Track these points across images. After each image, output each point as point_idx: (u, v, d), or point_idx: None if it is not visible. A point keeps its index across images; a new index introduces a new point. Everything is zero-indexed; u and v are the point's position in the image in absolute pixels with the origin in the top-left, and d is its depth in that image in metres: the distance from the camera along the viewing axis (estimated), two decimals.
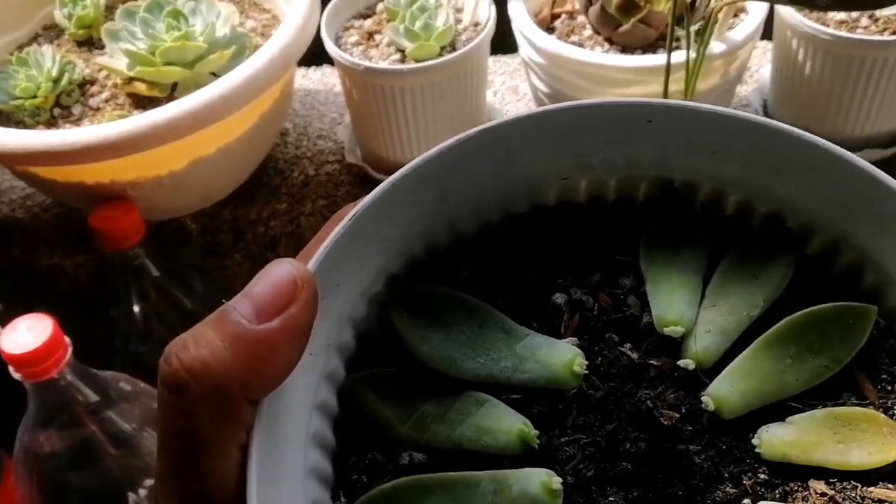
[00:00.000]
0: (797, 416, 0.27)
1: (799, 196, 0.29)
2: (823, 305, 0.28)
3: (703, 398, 0.27)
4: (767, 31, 0.70)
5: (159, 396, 0.23)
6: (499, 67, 0.85)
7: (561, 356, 0.28)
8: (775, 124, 0.27)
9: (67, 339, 0.60)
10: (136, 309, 0.73)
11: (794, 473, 0.26)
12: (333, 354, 0.28)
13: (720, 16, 0.59)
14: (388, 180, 0.27)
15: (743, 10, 0.67)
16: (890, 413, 0.27)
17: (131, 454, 0.65)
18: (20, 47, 0.78)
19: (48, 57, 0.72)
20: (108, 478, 0.63)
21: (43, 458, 0.63)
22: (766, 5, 0.61)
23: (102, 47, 0.74)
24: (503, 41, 0.72)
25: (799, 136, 0.27)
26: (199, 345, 0.23)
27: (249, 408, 0.24)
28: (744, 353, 0.28)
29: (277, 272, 0.24)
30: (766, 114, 0.74)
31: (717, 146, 0.29)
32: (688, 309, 0.29)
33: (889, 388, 0.28)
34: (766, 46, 0.79)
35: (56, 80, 0.71)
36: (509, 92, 0.82)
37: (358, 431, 0.28)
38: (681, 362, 0.28)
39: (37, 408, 0.62)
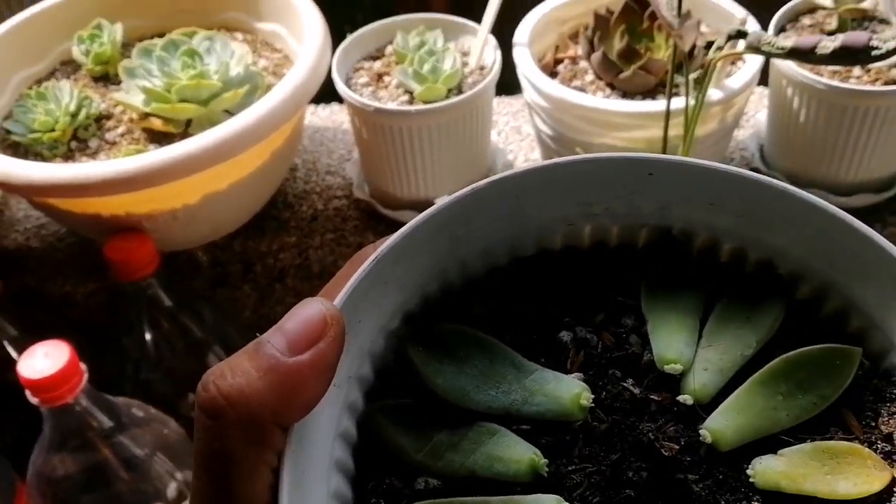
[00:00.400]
0: (788, 448, 0.29)
1: (788, 246, 0.31)
2: (812, 347, 0.30)
3: (701, 431, 0.29)
4: (764, 77, 0.73)
5: (196, 421, 0.25)
6: (503, 108, 0.88)
7: (568, 390, 0.30)
8: (765, 180, 0.30)
9: (83, 366, 0.61)
10: (147, 337, 0.74)
11: (786, 502, 0.28)
12: (354, 386, 0.30)
13: (718, 65, 0.61)
14: (407, 226, 0.30)
15: (740, 58, 0.69)
16: (874, 447, 0.29)
17: (142, 478, 0.66)
18: (38, 82, 0.80)
19: (66, 92, 0.74)
20: (120, 501, 0.65)
21: (56, 482, 0.64)
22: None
23: (119, 83, 0.76)
24: (508, 82, 0.74)
25: (785, 191, 0.29)
26: (235, 374, 0.25)
27: (280, 433, 0.26)
28: (738, 389, 0.30)
29: (309, 309, 0.27)
30: (762, 158, 0.76)
31: (712, 199, 0.31)
32: (686, 348, 0.31)
33: (873, 424, 0.30)
34: (762, 92, 0.82)
35: (74, 115, 0.73)
36: (513, 132, 0.85)
37: (376, 458, 0.30)
38: (680, 398, 0.30)
39: (51, 432, 0.63)
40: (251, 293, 0.82)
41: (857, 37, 0.47)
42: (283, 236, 0.79)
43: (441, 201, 0.30)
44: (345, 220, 0.78)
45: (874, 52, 0.46)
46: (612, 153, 0.31)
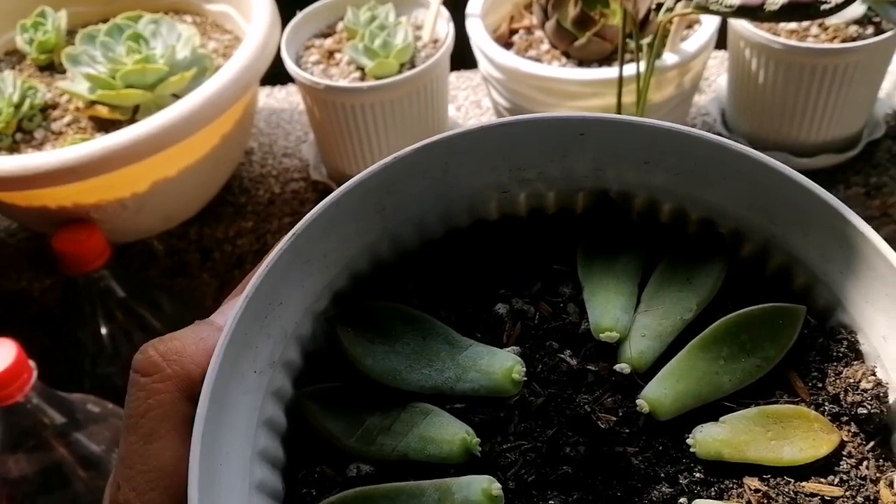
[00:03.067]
0: (731, 415, 0.28)
1: (728, 202, 0.30)
2: (754, 307, 0.29)
3: (638, 401, 0.28)
4: (723, 41, 0.72)
5: (131, 382, 0.26)
6: (462, 82, 0.86)
7: (501, 364, 0.29)
8: (697, 133, 0.28)
9: (32, 363, 0.60)
10: (103, 331, 0.73)
11: (729, 471, 0.27)
12: (279, 371, 0.28)
13: (671, 28, 0.60)
14: (327, 199, 0.28)
15: (697, 21, 0.68)
16: (821, 409, 0.28)
17: (101, 476, 0.65)
18: None
19: (9, 82, 0.72)
20: (78, 501, 0.63)
21: (12, 483, 0.63)
22: (718, 17, 0.62)
23: (64, 71, 0.74)
24: (466, 57, 0.73)
25: (718, 143, 0.28)
26: (173, 339, 0.26)
27: None
28: (678, 355, 0.29)
29: None
30: (724, 122, 0.75)
31: (647, 157, 0.30)
32: (623, 315, 0.29)
33: (819, 384, 0.28)
34: (723, 56, 0.80)
35: (18, 106, 0.71)
36: (473, 106, 0.83)
37: (306, 446, 0.28)
38: (617, 367, 0.29)
39: (4, 432, 0.62)
40: (210, 281, 0.81)
41: None
42: (241, 222, 0.77)
43: (361, 173, 0.29)
44: (302, 203, 0.77)
45: (823, 7, 0.45)
46: (541, 114, 0.30)
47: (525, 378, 0.28)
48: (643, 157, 0.30)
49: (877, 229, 0.71)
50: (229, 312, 0.26)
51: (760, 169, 0.28)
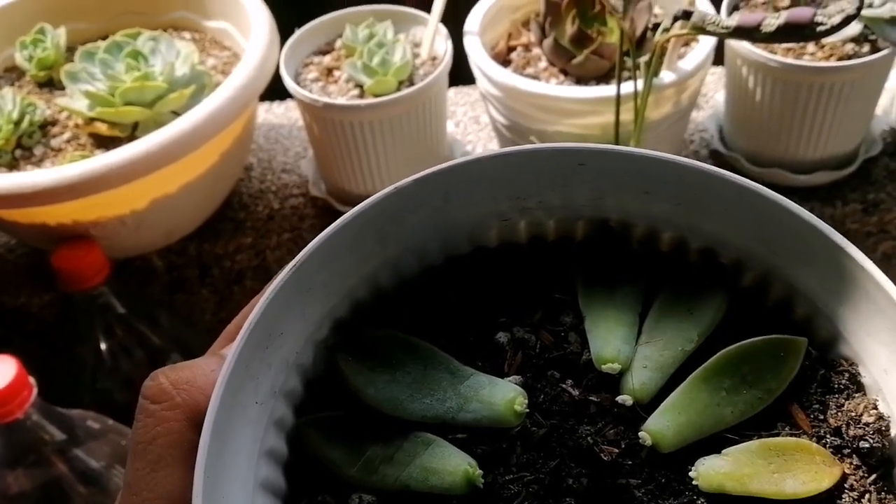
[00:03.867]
0: (733, 447, 0.28)
1: (728, 232, 0.30)
2: (756, 339, 0.29)
3: (640, 433, 0.28)
4: (721, 57, 0.72)
5: (139, 408, 0.26)
6: (461, 98, 0.87)
7: (503, 395, 0.29)
8: (696, 164, 0.28)
9: (32, 380, 0.60)
10: (102, 346, 0.73)
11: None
12: (281, 401, 0.28)
13: (668, 47, 0.60)
14: (328, 230, 0.28)
15: (694, 39, 0.68)
16: (822, 442, 0.28)
17: (100, 492, 0.65)
18: None
19: (9, 99, 0.72)
20: None
21: (12, 499, 0.63)
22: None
23: (63, 88, 0.74)
24: (465, 73, 0.73)
25: (718, 175, 0.28)
26: (184, 368, 0.27)
27: None
28: (680, 387, 0.29)
29: None
30: (721, 139, 0.76)
31: (647, 187, 0.30)
32: (624, 345, 0.29)
33: (821, 417, 0.29)
34: (721, 72, 0.81)
35: (17, 122, 0.71)
36: (471, 122, 0.84)
37: (308, 475, 0.28)
38: (619, 398, 0.29)
39: (4, 449, 0.62)
40: (209, 297, 0.81)
41: (800, 13, 0.46)
42: (240, 237, 0.77)
43: (361, 204, 0.29)
44: (301, 219, 0.77)
45: (819, 28, 0.45)
46: (541, 144, 0.30)
47: (527, 409, 0.28)
48: (643, 187, 0.30)
49: (875, 245, 0.72)
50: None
51: (760, 200, 0.28)
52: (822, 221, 0.28)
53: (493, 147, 0.80)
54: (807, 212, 0.28)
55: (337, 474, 0.28)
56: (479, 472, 0.27)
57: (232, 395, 0.26)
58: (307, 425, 0.29)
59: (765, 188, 0.28)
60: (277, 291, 0.27)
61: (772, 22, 0.46)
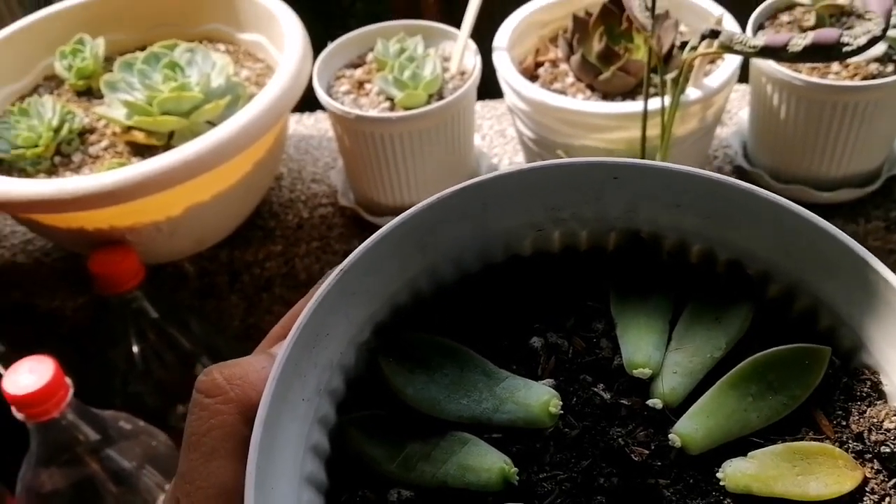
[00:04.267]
0: (759, 450, 0.29)
1: (755, 245, 0.31)
2: (781, 347, 0.30)
3: (670, 436, 0.29)
4: (745, 75, 0.73)
5: (193, 402, 0.27)
6: (487, 112, 0.88)
7: (538, 397, 0.30)
8: (727, 180, 0.30)
9: (68, 380, 0.61)
10: (134, 349, 0.74)
11: None
12: (325, 399, 0.30)
13: (695, 64, 0.61)
14: (372, 238, 0.30)
15: (720, 56, 0.69)
16: (845, 447, 0.29)
17: (131, 491, 0.66)
18: (21, 98, 0.80)
19: (49, 107, 0.74)
20: None
21: (45, 497, 0.64)
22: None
23: (101, 97, 0.76)
24: (493, 86, 0.75)
25: (748, 190, 0.29)
26: (237, 364, 0.28)
27: None
28: (708, 392, 0.30)
29: None
30: (745, 155, 0.77)
31: (678, 200, 0.31)
32: (655, 352, 0.31)
33: (843, 423, 0.30)
34: (745, 89, 0.82)
35: (57, 130, 0.73)
36: (497, 136, 0.85)
37: (349, 471, 0.30)
38: (649, 402, 0.30)
39: (39, 447, 0.63)
40: (238, 303, 0.82)
41: (827, 34, 0.47)
42: (269, 245, 0.79)
43: (404, 213, 0.30)
44: (330, 228, 0.79)
45: (845, 49, 0.46)
46: (576, 158, 0.31)
47: (561, 411, 0.30)
48: (674, 201, 0.31)
49: None
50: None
51: (787, 215, 0.29)
52: (846, 236, 0.29)
53: (519, 160, 0.82)
54: (832, 226, 0.29)
55: (377, 470, 0.29)
56: (515, 469, 0.28)
57: (282, 392, 0.27)
58: (349, 423, 0.30)
59: (792, 203, 0.29)
60: (325, 295, 0.29)
61: (798, 42, 0.48)
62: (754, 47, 0.49)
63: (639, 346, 0.31)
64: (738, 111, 0.82)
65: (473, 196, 0.31)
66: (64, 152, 0.73)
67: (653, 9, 0.55)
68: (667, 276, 0.33)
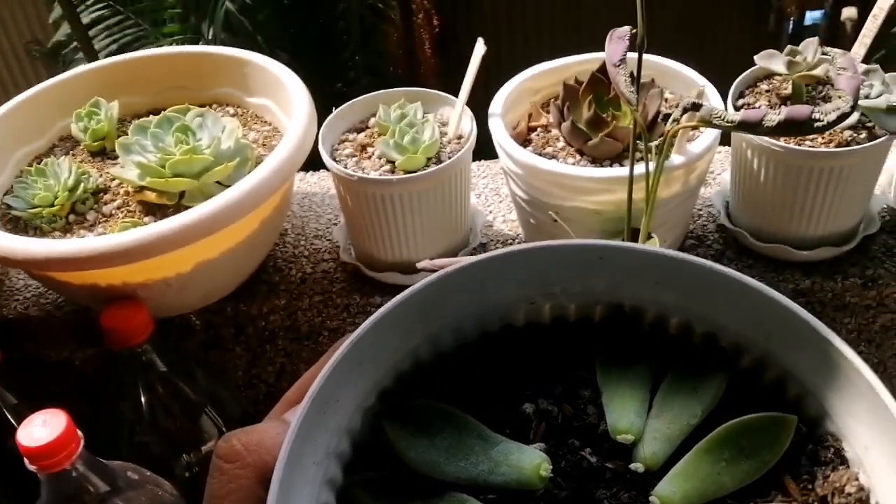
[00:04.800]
0: None
1: (728, 320, 0.34)
2: (752, 415, 0.33)
3: (651, 498, 0.32)
4: (727, 139, 0.77)
5: (214, 466, 0.30)
6: (483, 171, 0.92)
7: (530, 461, 0.33)
8: (701, 262, 0.33)
9: (80, 433, 0.63)
10: (142, 400, 0.76)
11: None
12: (333, 462, 0.32)
13: (678, 133, 0.65)
14: (380, 311, 0.32)
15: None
16: None
17: None
18: (38, 158, 0.83)
19: (65, 168, 0.77)
20: None
21: None
22: None
23: (115, 157, 0.80)
24: (488, 147, 0.78)
25: (720, 272, 0.32)
26: (255, 431, 0.30)
27: None
28: (685, 457, 0.33)
29: None
30: (727, 214, 0.80)
31: (657, 279, 0.34)
32: (637, 418, 0.34)
33: (810, 486, 0.32)
34: (727, 151, 0.85)
35: (72, 189, 0.76)
36: (492, 194, 0.89)
37: None
38: (632, 465, 0.33)
39: (49, 497, 0.65)
40: (243, 354, 0.85)
41: (799, 111, 0.50)
42: (273, 299, 0.81)
43: (410, 288, 0.33)
44: (332, 283, 0.81)
45: (816, 125, 0.50)
46: (566, 241, 0.34)
47: (551, 474, 0.32)
48: (654, 279, 0.34)
49: (874, 318, 0.75)
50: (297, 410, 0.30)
51: (756, 294, 0.32)
52: (810, 315, 0.32)
53: (513, 217, 0.85)
54: (795, 304, 0.32)
55: None
56: None
57: (295, 457, 0.30)
58: (355, 484, 0.33)
59: (761, 284, 0.32)
60: (336, 365, 0.31)
61: (773, 118, 0.51)
62: (732, 122, 0.52)
63: (622, 413, 0.34)
64: (722, 172, 0.86)
65: (473, 273, 0.34)
66: (78, 211, 0.76)
67: (637, 80, 0.58)
68: (648, 346, 0.36)
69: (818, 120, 0.52)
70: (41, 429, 0.62)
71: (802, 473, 0.32)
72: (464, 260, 0.34)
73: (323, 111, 0.78)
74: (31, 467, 0.62)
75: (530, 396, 0.35)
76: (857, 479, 0.31)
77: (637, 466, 0.32)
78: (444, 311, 0.35)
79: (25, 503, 0.68)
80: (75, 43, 1.96)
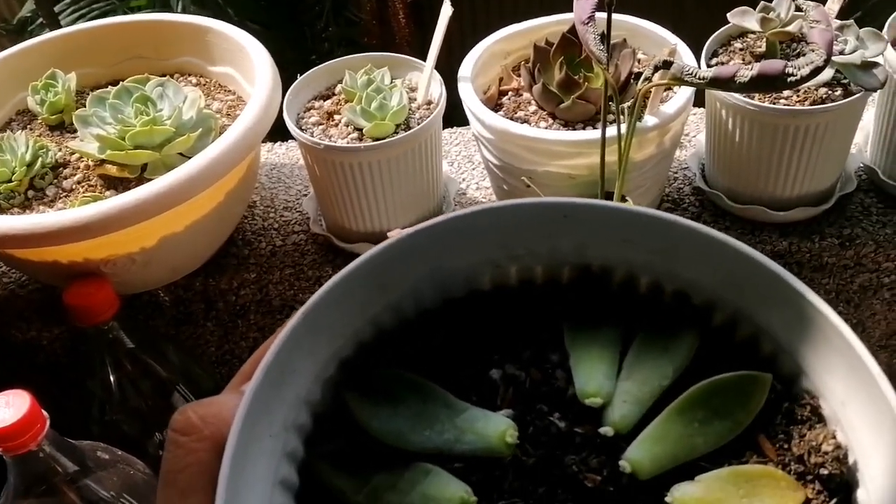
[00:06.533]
0: (705, 474, 0.30)
1: (699, 277, 0.33)
2: (725, 375, 0.32)
3: (621, 462, 0.31)
4: (701, 100, 0.76)
5: (168, 441, 0.28)
6: (455, 138, 0.90)
7: (495, 428, 0.31)
8: (669, 218, 0.31)
9: (45, 413, 0.62)
10: (111, 379, 0.75)
11: None
12: (292, 435, 0.31)
13: (651, 93, 0.63)
14: (333, 279, 0.31)
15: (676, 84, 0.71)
16: (787, 469, 0.31)
17: None
18: None
19: (22, 142, 0.75)
20: None
21: None
22: None
23: (74, 131, 0.77)
24: (460, 113, 0.76)
25: (689, 227, 0.31)
26: (211, 403, 0.29)
27: None
28: (656, 419, 0.31)
29: None
30: (703, 177, 0.79)
31: (625, 237, 0.33)
32: (606, 381, 0.32)
33: (785, 446, 0.31)
34: (702, 113, 0.84)
35: (30, 164, 0.74)
36: (465, 161, 0.87)
37: (317, 503, 0.31)
38: (601, 430, 0.31)
39: (16, 479, 0.64)
40: (215, 330, 0.83)
41: (772, 65, 0.49)
42: (243, 273, 0.80)
43: (365, 254, 0.32)
44: (303, 255, 0.80)
45: (790, 80, 0.49)
46: (527, 199, 0.33)
47: (518, 440, 0.31)
48: (622, 237, 0.33)
49: (852, 278, 0.75)
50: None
51: (727, 249, 0.31)
52: (782, 268, 0.31)
53: (486, 185, 0.83)
54: (769, 259, 0.31)
55: (345, 502, 0.31)
56: (475, 498, 0.30)
57: (249, 429, 0.28)
58: (317, 457, 0.32)
59: (731, 238, 0.31)
60: (289, 335, 0.30)
61: (745, 74, 0.50)
62: (703, 79, 0.51)
63: (591, 376, 0.33)
64: (697, 134, 0.84)
65: (432, 236, 0.33)
66: (37, 186, 0.74)
67: (608, 40, 0.57)
68: (617, 307, 0.34)
69: (791, 74, 0.50)
70: (4, 410, 0.60)
71: (778, 433, 0.31)
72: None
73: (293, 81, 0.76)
74: None
75: (497, 362, 0.34)
76: (834, 437, 0.30)
77: (606, 430, 0.31)
78: (405, 277, 0.33)
79: None
80: (41, 19, 1.92)
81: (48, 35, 0.84)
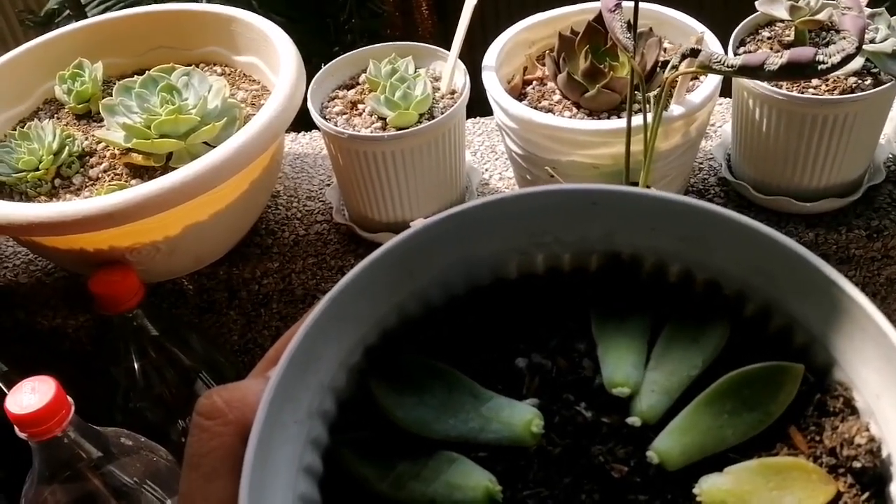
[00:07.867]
0: (734, 466, 0.30)
1: (731, 266, 0.32)
2: (756, 365, 0.31)
3: (648, 453, 0.30)
4: (728, 89, 0.75)
5: (194, 423, 0.28)
6: (478, 128, 0.90)
7: (521, 417, 0.31)
8: (700, 204, 0.31)
9: (70, 399, 0.62)
10: (135, 366, 0.76)
11: None
12: (317, 421, 0.31)
13: (677, 81, 0.63)
14: (360, 265, 0.31)
15: (703, 73, 0.70)
16: (818, 461, 0.30)
17: None
18: (22, 122, 0.82)
19: (49, 131, 0.75)
20: None
21: None
22: None
23: (101, 120, 0.78)
24: (483, 103, 0.76)
25: (721, 214, 0.31)
26: (237, 387, 0.29)
27: None
28: (685, 410, 0.31)
29: None
30: (729, 167, 0.78)
31: (654, 224, 0.32)
32: (634, 371, 0.32)
33: (817, 438, 0.31)
34: (728, 103, 0.83)
35: (57, 153, 0.74)
36: (488, 151, 0.86)
37: (342, 490, 0.31)
38: (629, 420, 0.31)
39: (41, 465, 0.64)
40: (237, 318, 0.84)
41: (802, 53, 0.48)
42: (266, 262, 0.80)
43: (392, 240, 0.32)
44: (326, 245, 0.80)
45: (820, 67, 0.48)
46: (556, 185, 0.32)
47: (543, 430, 0.31)
48: (650, 225, 0.33)
49: (879, 270, 0.73)
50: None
51: (761, 238, 0.31)
52: (816, 257, 0.30)
53: (509, 175, 0.83)
54: (802, 247, 0.30)
55: (369, 490, 0.30)
56: (499, 487, 0.30)
57: (274, 415, 0.28)
58: (341, 444, 0.32)
59: (763, 226, 0.31)
60: (315, 321, 0.30)
61: (775, 61, 0.49)
62: (732, 66, 0.50)
63: (618, 365, 0.32)
64: (723, 124, 0.83)
65: (459, 222, 0.32)
66: (64, 175, 0.75)
67: (634, 29, 0.56)
68: (646, 296, 0.34)
69: (822, 62, 0.49)
70: (30, 396, 0.61)
71: (810, 425, 0.31)
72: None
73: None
74: (22, 435, 0.61)
75: (523, 351, 0.33)
76: (867, 430, 0.30)
77: (634, 420, 0.31)
78: (431, 264, 0.33)
79: (19, 471, 0.67)
80: (68, 11, 1.93)
81: (75, 25, 0.85)
